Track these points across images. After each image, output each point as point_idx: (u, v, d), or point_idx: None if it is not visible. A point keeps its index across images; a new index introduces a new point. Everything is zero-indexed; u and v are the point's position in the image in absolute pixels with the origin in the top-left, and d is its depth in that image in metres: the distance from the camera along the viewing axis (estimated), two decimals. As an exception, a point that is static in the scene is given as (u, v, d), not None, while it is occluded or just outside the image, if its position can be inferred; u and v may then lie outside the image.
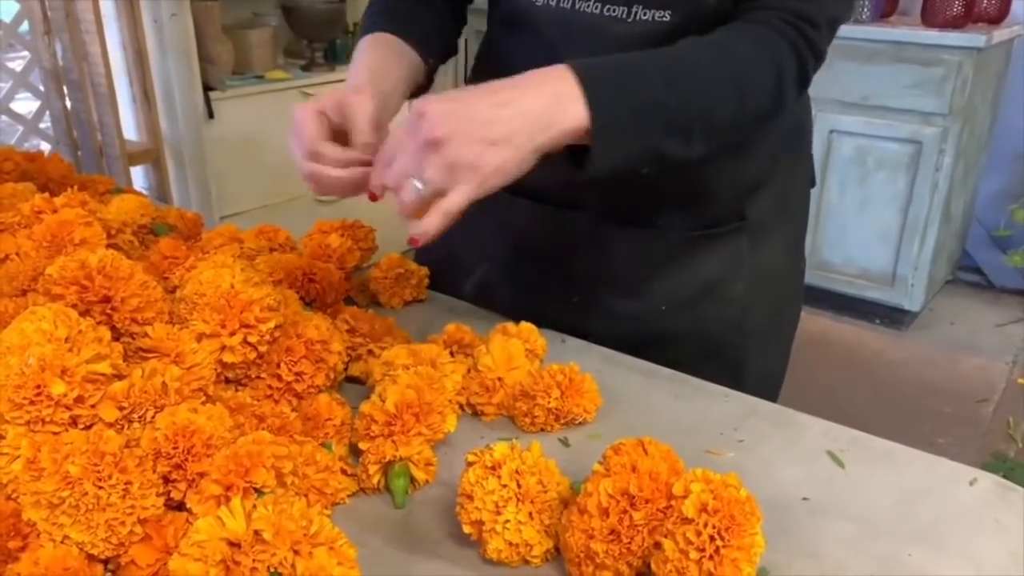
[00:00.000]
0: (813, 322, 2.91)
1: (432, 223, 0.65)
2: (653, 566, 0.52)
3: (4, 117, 2.37)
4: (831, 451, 0.69)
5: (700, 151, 0.72)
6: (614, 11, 0.78)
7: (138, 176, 2.57)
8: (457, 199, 0.65)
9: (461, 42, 0.97)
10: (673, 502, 0.52)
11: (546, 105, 0.66)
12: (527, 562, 0.57)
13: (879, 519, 0.62)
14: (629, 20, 0.77)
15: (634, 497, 0.53)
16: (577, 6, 0.79)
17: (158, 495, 0.54)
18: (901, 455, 0.70)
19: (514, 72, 0.89)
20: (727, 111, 0.71)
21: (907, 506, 0.63)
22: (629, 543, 0.53)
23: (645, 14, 0.76)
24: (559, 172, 0.86)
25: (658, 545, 0.52)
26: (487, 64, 0.95)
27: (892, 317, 2.92)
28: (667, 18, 0.76)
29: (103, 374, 0.58)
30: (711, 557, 0.49)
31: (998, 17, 2.78)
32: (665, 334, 0.89)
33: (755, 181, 0.86)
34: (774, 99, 0.74)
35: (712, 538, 0.50)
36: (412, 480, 0.65)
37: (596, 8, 0.78)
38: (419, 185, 0.65)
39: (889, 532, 0.61)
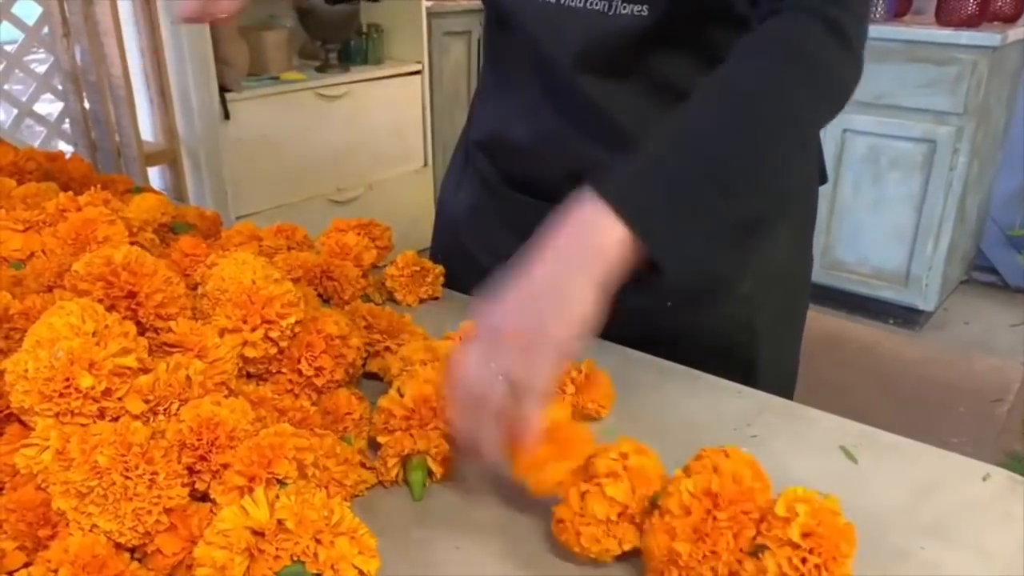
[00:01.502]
0: (826, 321, 2.90)
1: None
2: None
3: (27, 119, 2.40)
4: (843, 446, 0.70)
5: (782, 184, 0.69)
6: (597, 4, 0.78)
7: (155, 176, 2.59)
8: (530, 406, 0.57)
9: (470, 45, 1.00)
10: (770, 517, 0.52)
11: (576, 255, 0.58)
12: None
13: (891, 513, 0.62)
14: (610, 13, 0.77)
15: (717, 496, 0.52)
16: (563, 1, 0.80)
17: (183, 485, 0.55)
18: (912, 450, 0.70)
19: (508, 73, 0.90)
20: (785, 144, 0.64)
21: (919, 500, 0.64)
22: (714, 545, 0.51)
23: (625, 8, 0.77)
24: (563, 167, 0.87)
25: (754, 555, 0.51)
26: (488, 67, 0.97)
27: (906, 317, 2.91)
28: (645, 12, 0.76)
29: (129, 367, 0.59)
30: None
31: (1013, 16, 2.77)
32: (675, 332, 0.89)
33: None
34: (829, 93, 0.65)
35: (817, 567, 0.49)
36: (430, 473, 0.66)
37: (580, 2, 0.79)
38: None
39: (901, 526, 0.61)
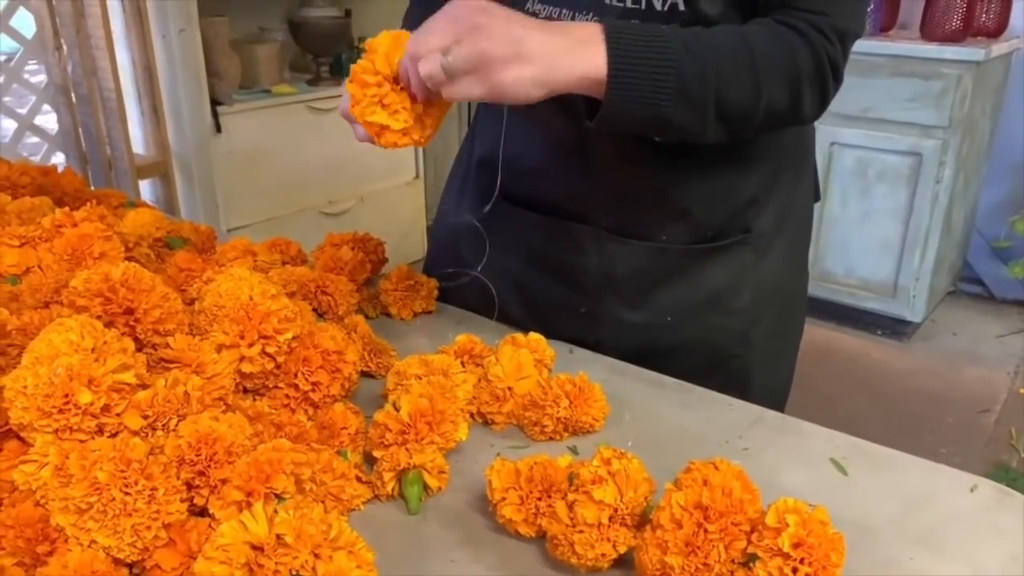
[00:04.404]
0: (815, 333, 2.92)
1: (432, 83, 0.67)
2: None
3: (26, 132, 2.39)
4: (834, 458, 0.71)
5: (712, 133, 0.73)
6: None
7: (146, 189, 2.59)
8: (464, 90, 0.67)
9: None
10: (760, 527, 0.52)
11: (571, 46, 0.68)
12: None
13: (881, 524, 0.63)
14: None
15: (708, 508, 0.53)
16: (571, 15, 0.79)
17: (182, 501, 0.56)
18: (902, 462, 0.71)
19: None
20: (741, 96, 0.72)
21: (908, 512, 0.65)
22: (706, 557, 0.52)
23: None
24: (566, 183, 0.88)
25: (746, 566, 0.52)
26: None
27: (894, 328, 2.93)
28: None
29: (128, 384, 0.60)
30: None
31: (996, 31, 2.81)
32: (671, 345, 0.90)
33: (756, 195, 0.88)
34: (791, 99, 0.75)
35: None
36: (425, 487, 0.67)
37: (590, 17, 0.78)
38: (449, 59, 0.66)
39: (891, 537, 0.62)
